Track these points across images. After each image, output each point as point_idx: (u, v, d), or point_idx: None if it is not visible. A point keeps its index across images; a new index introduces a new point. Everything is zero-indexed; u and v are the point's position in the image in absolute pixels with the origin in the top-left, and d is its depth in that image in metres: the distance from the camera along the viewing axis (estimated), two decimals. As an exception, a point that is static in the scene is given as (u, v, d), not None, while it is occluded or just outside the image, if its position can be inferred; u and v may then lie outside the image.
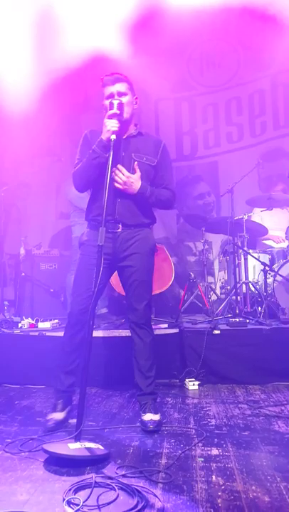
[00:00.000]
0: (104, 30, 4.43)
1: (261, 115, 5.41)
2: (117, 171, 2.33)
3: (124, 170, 2.35)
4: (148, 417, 2.36)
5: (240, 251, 4.15)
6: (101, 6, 4.32)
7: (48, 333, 3.51)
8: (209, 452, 2.06)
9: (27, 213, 5.49)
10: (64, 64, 4.41)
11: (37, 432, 2.30)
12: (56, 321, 3.84)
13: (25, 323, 3.77)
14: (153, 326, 3.56)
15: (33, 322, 3.78)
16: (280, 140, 5.27)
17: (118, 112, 2.29)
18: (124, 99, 2.37)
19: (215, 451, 2.06)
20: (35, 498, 1.65)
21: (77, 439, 1.98)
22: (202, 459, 1.97)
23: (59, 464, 1.89)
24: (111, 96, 2.38)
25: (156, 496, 1.66)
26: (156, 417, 2.37)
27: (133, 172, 2.38)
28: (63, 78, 4.45)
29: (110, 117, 2.29)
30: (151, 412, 2.38)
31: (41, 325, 3.72)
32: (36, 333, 3.54)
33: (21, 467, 1.90)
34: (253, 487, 1.73)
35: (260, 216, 4.55)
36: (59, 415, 2.36)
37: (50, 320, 3.82)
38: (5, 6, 4.28)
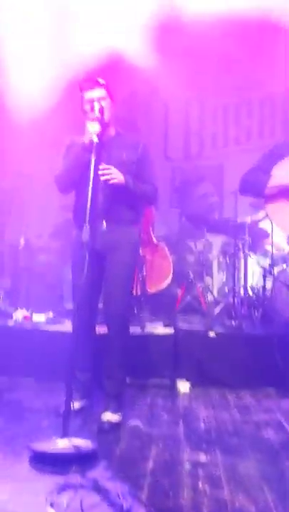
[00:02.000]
0: (120, 30, 4.41)
1: (271, 120, 5.37)
2: (102, 170, 2.36)
3: (105, 166, 2.38)
4: (106, 416, 2.36)
5: (241, 254, 4.12)
6: (119, 5, 4.29)
7: (42, 327, 3.48)
8: (197, 458, 2.04)
9: (29, 203, 5.45)
10: (79, 62, 4.39)
11: (24, 427, 2.28)
12: (51, 314, 3.81)
13: (20, 314, 3.74)
14: (148, 325, 3.59)
15: (28, 314, 3.75)
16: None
17: (99, 115, 2.40)
18: (104, 103, 2.46)
19: (203, 457, 2.04)
20: (17, 498, 1.62)
21: (64, 436, 1.96)
22: (189, 465, 1.95)
23: (45, 462, 1.87)
24: (91, 100, 2.46)
25: (142, 501, 1.64)
26: (115, 417, 2.36)
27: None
28: (77, 76, 4.42)
29: (92, 121, 2.38)
30: (110, 412, 2.37)
31: (36, 317, 3.69)
32: (30, 326, 3.51)
33: (6, 464, 1.88)
34: (240, 496, 1.71)
35: (262, 219, 4.50)
36: (75, 404, 2.37)
37: (45, 312, 3.78)
38: (22, 4, 4.27)
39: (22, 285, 4.49)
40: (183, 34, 4.61)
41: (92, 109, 2.41)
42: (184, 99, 5.64)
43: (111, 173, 2.37)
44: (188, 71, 5.20)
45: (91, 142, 2.31)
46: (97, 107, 2.40)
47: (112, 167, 2.39)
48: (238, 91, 5.49)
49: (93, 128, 2.33)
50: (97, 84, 2.48)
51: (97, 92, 2.47)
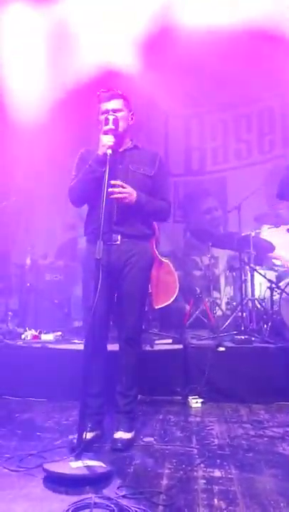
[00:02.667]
0: (118, 46, 4.49)
1: (270, 133, 5.43)
2: (112, 188, 2.30)
3: (119, 182, 2.33)
4: (118, 435, 2.31)
5: (247, 267, 4.12)
6: (114, 22, 4.39)
7: (50, 346, 3.49)
8: (212, 474, 2.01)
9: (34, 224, 5.51)
10: (76, 79, 4.48)
11: (37, 447, 2.27)
12: (59, 333, 3.82)
13: (29, 334, 3.75)
14: (157, 341, 3.58)
15: (37, 334, 3.76)
16: (289, 158, 5.27)
17: (113, 127, 2.34)
18: (119, 115, 2.41)
19: (217, 473, 2.01)
20: (32, 517, 1.61)
21: (78, 457, 1.95)
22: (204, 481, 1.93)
23: (59, 483, 1.85)
24: (106, 112, 2.41)
25: (157, 519, 1.62)
26: (127, 436, 2.32)
27: (131, 182, 2.37)
28: (75, 93, 4.50)
29: (106, 133, 2.33)
30: (123, 431, 2.32)
31: (44, 337, 3.70)
32: (39, 345, 3.51)
33: (20, 484, 1.87)
34: (256, 512, 1.69)
35: (268, 233, 4.52)
36: (87, 435, 2.21)
37: (54, 332, 3.79)
38: (20, 20, 4.38)
39: (30, 305, 4.50)
40: (179, 49, 4.68)
41: (107, 120, 2.34)
42: (183, 114, 5.72)
43: (122, 192, 2.29)
44: (186, 86, 5.30)
45: (105, 154, 2.25)
46: (111, 118, 2.34)
47: (125, 184, 2.31)
48: (236, 105, 5.58)
49: (107, 140, 2.28)
50: (114, 95, 2.44)
51: (113, 104, 2.42)
